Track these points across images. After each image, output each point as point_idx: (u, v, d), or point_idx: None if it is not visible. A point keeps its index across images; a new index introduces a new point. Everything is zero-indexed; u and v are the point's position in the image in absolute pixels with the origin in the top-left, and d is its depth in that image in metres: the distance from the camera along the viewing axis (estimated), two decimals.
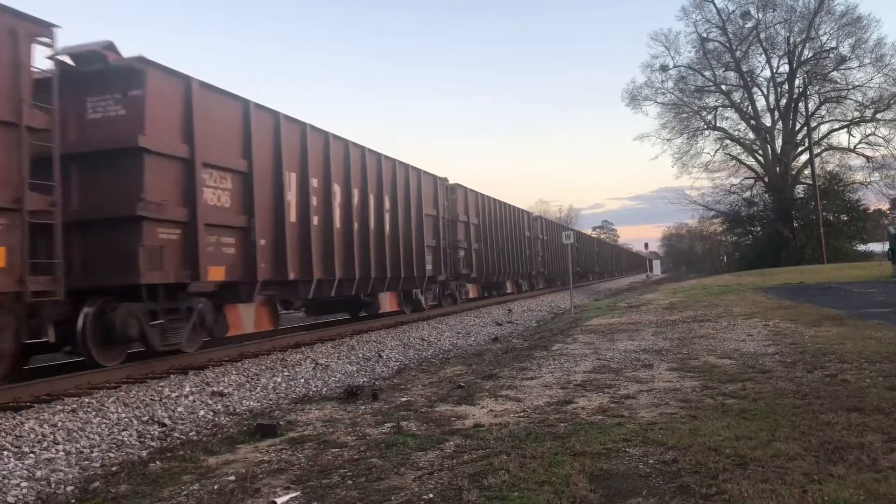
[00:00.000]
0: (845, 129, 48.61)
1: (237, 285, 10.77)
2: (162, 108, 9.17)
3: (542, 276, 35.66)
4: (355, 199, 14.54)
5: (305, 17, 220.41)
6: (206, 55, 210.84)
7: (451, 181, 21.53)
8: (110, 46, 8.86)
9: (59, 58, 8.11)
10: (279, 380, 9.24)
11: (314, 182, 12.88)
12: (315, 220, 12.80)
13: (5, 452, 5.64)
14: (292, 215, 12.10)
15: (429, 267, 18.70)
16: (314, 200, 12.83)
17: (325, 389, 8.76)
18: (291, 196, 12.10)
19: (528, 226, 32.39)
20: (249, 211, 10.86)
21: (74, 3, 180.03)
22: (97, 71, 8.77)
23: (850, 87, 47.03)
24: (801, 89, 47.68)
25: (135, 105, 8.87)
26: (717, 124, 51.31)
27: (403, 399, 7.05)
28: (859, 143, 48.32)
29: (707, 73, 50.55)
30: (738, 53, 49.07)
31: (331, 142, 13.62)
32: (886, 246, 26.58)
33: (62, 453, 5.75)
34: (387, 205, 16.25)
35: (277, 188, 11.67)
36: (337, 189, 13.81)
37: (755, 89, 50.21)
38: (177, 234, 9.40)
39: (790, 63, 48.04)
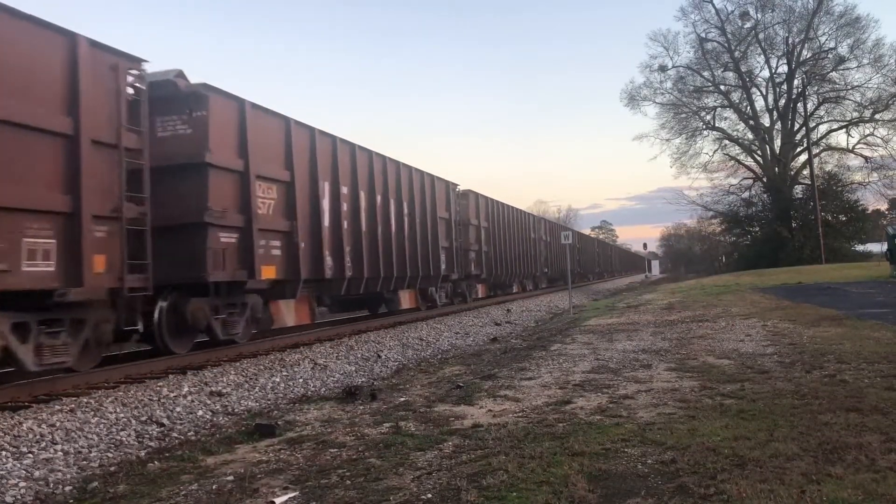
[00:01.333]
0: (844, 130, 48.66)
1: (283, 283, 12.07)
2: (221, 127, 10.48)
3: (545, 277, 37.12)
4: (378, 204, 16.00)
5: (304, 17, 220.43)
6: (203, 54, 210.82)
7: (462, 187, 23.01)
8: (181, 74, 10.19)
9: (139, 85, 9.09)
10: (277, 380, 9.23)
11: (344, 189, 14.26)
12: (345, 224, 14.18)
13: (3, 452, 5.63)
14: (326, 220, 13.48)
15: (443, 266, 19.87)
16: (344, 206, 14.18)
17: (323, 389, 8.76)
18: (326, 203, 13.49)
19: (533, 228, 33.92)
20: (292, 216, 12.19)
21: (74, 4, 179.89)
22: (168, 94, 9.94)
23: (849, 87, 47.07)
24: (799, 89, 47.75)
25: (200, 124, 10.13)
26: (716, 124, 51.33)
27: (402, 399, 7.05)
28: (858, 143, 48.39)
29: (706, 74, 50.57)
30: (736, 54, 49.09)
31: (357, 153, 14.97)
32: (885, 246, 26.58)
33: (60, 453, 5.75)
34: (405, 209, 17.67)
35: (314, 196, 13.04)
36: (362, 195, 15.21)
37: (754, 89, 50.28)
38: (235, 237, 10.72)
39: (789, 63, 48.09)
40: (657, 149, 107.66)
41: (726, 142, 51.15)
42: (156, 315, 9.59)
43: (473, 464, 4.46)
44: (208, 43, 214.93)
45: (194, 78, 10.21)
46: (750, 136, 50.53)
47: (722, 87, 50.88)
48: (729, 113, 51.28)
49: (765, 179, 48.99)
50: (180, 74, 10.14)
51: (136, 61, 8.90)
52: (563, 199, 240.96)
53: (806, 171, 46.77)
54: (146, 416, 7.04)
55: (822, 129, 49.44)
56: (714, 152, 51.64)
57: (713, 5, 48.86)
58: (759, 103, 50.39)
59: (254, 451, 5.29)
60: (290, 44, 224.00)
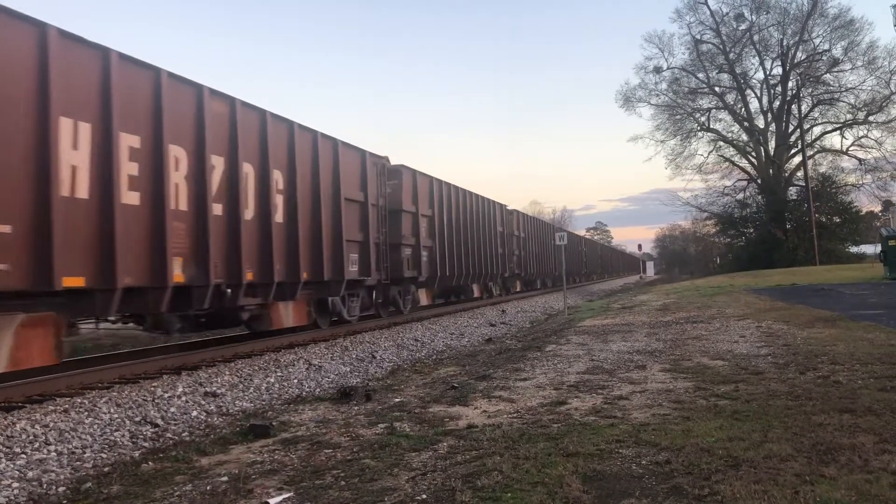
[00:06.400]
0: (838, 132, 48.88)
1: (427, 278, 19.56)
2: (406, 188, 18.20)
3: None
4: (461, 223, 22.14)
5: (294, 15, 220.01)
6: (199, 53, 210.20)
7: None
8: (388, 160, 16.80)
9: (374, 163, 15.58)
10: (272, 380, 9.22)
11: (452, 216, 21.84)
12: (452, 239, 21.46)
13: None
14: (445, 238, 20.85)
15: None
16: (452, 227, 21.77)
17: (318, 390, 8.74)
18: (444, 226, 20.97)
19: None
20: (433, 237, 19.82)
21: (74, 3, 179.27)
22: (384, 170, 16.50)
23: (843, 89, 47.33)
24: (794, 91, 47.92)
25: (397, 188, 17.54)
26: (711, 126, 51.55)
27: (397, 400, 7.05)
28: (852, 145, 48.63)
29: (701, 75, 50.77)
30: (731, 55, 49.29)
31: (449, 189, 21.80)
32: (878, 248, 26.69)
33: (54, 454, 5.72)
34: (478, 226, 21.89)
35: (440, 223, 20.82)
36: (459, 218, 22.14)
37: (748, 91, 50.49)
38: (410, 251, 18.17)
39: (783, 65, 48.30)
40: (652, 150, 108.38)
41: (721, 143, 51.40)
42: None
43: (468, 464, 4.46)
44: (202, 41, 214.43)
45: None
46: (744, 137, 50.76)
47: (717, 89, 51.10)
48: (724, 115, 51.55)
49: (759, 181, 49.18)
50: (387, 159, 16.68)
51: (382, 157, 16.38)
52: (558, 201, 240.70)
53: (800, 173, 47.00)
54: (140, 416, 7.02)
55: (817, 130, 49.77)
56: (709, 154, 51.93)
57: (708, 7, 49.13)
58: (754, 105, 50.67)
59: (248, 452, 5.28)
60: (288, 42, 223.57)
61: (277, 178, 11.71)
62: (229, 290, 10.41)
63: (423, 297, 20.53)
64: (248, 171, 10.90)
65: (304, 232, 12.40)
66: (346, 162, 14.34)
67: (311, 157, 12.92)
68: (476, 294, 25.94)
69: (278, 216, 11.68)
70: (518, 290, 32.73)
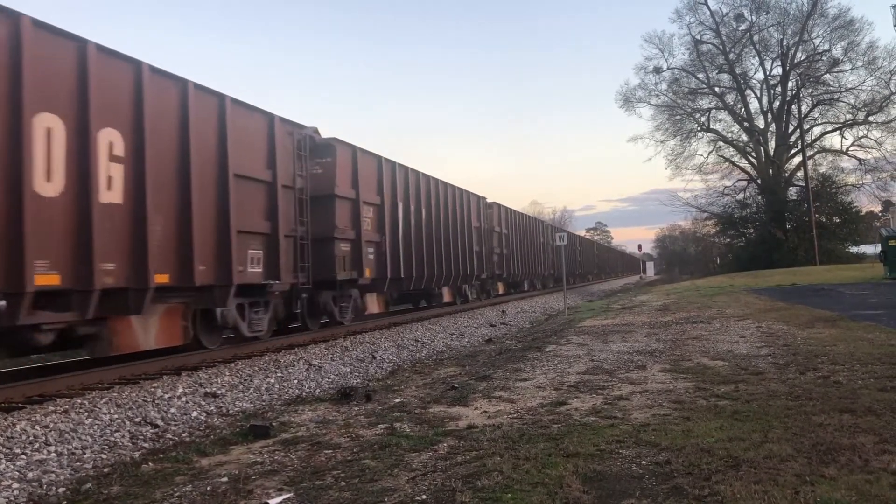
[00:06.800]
0: (838, 132, 48.89)
1: (375, 280, 16.22)
2: (342, 168, 14.80)
3: (551, 277, 40.97)
4: (424, 216, 19.57)
5: (297, 20, 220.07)
6: (196, 54, 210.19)
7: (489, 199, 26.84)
8: (316, 131, 13.87)
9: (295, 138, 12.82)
10: (272, 381, 9.22)
11: (411, 206, 18.60)
12: (412, 234, 18.49)
13: None
14: (400, 232, 17.66)
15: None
16: (412, 220, 18.48)
17: (318, 391, 8.74)
18: (399, 217, 17.69)
19: (542, 233, 38.06)
20: (382, 230, 16.56)
21: (74, 3, 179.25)
22: (308, 145, 13.37)
23: (843, 89, 47.33)
24: (793, 92, 47.92)
25: (329, 167, 14.37)
26: (711, 126, 51.55)
27: (397, 400, 7.05)
28: (852, 145, 48.63)
29: (700, 76, 50.77)
30: (731, 56, 49.30)
31: (409, 174, 18.81)
32: (878, 248, 26.69)
33: (54, 454, 5.72)
34: (449, 220, 21.70)
35: (394, 214, 17.36)
36: (423, 210, 19.48)
37: (748, 92, 50.50)
38: (349, 247, 14.92)
39: (783, 65, 48.29)
40: (652, 150, 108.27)
41: (721, 143, 51.40)
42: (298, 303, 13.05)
43: (468, 465, 4.45)
44: (200, 43, 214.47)
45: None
46: (744, 137, 50.76)
47: (716, 89, 51.11)
48: (723, 115, 51.55)
49: (759, 181, 49.17)
50: (316, 131, 13.85)
51: (301, 126, 13.14)
52: (558, 201, 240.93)
53: (800, 173, 46.99)
54: (140, 417, 7.02)
55: (816, 131, 49.78)
56: (709, 154, 51.93)
57: (708, 7, 49.13)
58: (754, 105, 50.67)
59: (248, 453, 5.28)
60: (285, 46, 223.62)
61: (111, 139, 8.45)
62: (3, 303, 7.13)
63: (373, 304, 17.78)
64: (52, 125, 7.67)
65: (161, 217, 9.20)
66: (242, 127, 11.02)
67: (179, 118, 9.62)
68: (447, 299, 23.00)
69: (110, 194, 8.40)
70: (501, 292, 29.77)
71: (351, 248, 14.94)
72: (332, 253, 14.08)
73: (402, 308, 21.70)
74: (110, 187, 8.40)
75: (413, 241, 18.42)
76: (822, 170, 48.81)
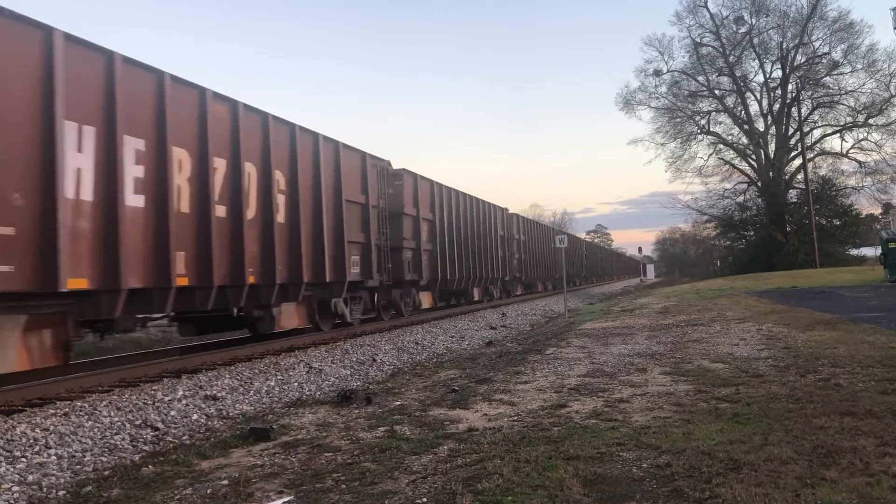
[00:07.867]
0: (838, 134, 48.84)
1: (429, 281, 19.52)
2: (407, 191, 18.39)
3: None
4: (462, 228, 22.72)
5: (294, 20, 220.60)
6: (197, 56, 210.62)
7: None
8: (389, 164, 16.96)
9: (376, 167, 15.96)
10: (273, 384, 9.21)
11: (452, 220, 21.94)
12: (454, 243, 21.88)
13: None
14: (445, 241, 21.11)
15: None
16: (453, 231, 21.92)
17: (318, 393, 8.74)
18: (445, 229, 21.18)
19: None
20: (433, 240, 19.81)
21: (74, 2, 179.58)
22: (385, 174, 16.60)
23: (843, 92, 47.29)
24: (793, 94, 47.90)
25: (398, 189, 17.64)
26: (711, 129, 51.48)
27: (397, 403, 7.04)
28: (852, 147, 48.58)
29: (700, 78, 50.75)
30: (731, 58, 49.27)
31: (450, 193, 22.00)
32: (879, 250, 26.69)
33: (54, 457, 5.72)
34: (479, 230, 23.62)
35: (441, 227, 20.98)
36: (461, 222, 22.62)
37: (748, 94, 50.45)
38: (411, 254, 18.50)
39: (783, 68, 48.27)
40: (652, 153, 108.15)
41: (721, 146, 51.35)
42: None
43: (468, 468, 4.45)
44: (200, 43, 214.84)
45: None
46: (744, 140, 50.71)
47: (717, 92, 51.07)
48: (723, 117, 51.50)
49: (759, 184, 49.14)
50: (389, 163, 16.88)
51: (382, 160, 16.39)
52: (558, 203, 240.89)
53: (800, 176, 46.97)
54: (140, 419, 7.02)
55: (817, 133, 49.74)
56: (709, 156, 51.87)
57: (708, 10, 49.13)
58: (754, 108, 50.63)
59: (248, 455, 5.27)
60: (284, 46, 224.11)
61: (278, 178, 11.86)
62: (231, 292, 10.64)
63: (425, 301, 20.87)
64: (250, 170, 11.08)
65: (306, 232, 12.50)
66: (348, 164, 14.45)
67: (312, 160, 12.99)
68: (477, 297, 26.16)
69: (279, 216, 11.77)
70: (519, 293, 33.00)
71: (413, 255, 18.58)
72: (400, 259, 17.54)
73: (444, 305, 24.09)
74: (278, 211, 11.73)
75: (456, 248, 22.03)
76: (823, 172, 48.83)
